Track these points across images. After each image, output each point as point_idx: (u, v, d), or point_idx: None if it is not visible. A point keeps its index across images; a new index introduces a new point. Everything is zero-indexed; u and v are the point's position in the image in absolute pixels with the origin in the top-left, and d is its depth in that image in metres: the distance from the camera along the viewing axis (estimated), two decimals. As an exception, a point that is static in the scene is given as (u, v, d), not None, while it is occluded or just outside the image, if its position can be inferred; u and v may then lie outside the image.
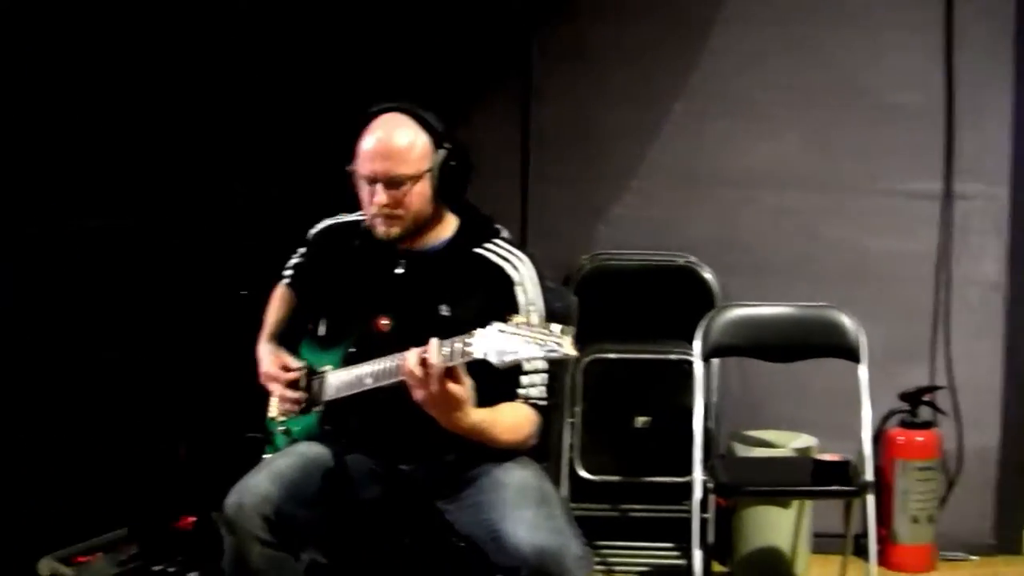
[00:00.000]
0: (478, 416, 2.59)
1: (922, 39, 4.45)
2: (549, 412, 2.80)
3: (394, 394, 2.59)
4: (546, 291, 2.84)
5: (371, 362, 2.69)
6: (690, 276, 4.40)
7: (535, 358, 2.41)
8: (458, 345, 2.41)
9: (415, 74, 4.34)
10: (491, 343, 2.33)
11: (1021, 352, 4.52)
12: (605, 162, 4.55)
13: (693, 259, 4.42)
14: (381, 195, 2.75)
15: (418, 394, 2.50)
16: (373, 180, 2.75)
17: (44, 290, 3.88)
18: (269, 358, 3.00)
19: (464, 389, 2.50)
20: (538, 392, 2.74)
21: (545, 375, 2.75)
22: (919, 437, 4.35)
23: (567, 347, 2.28)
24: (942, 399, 4.50)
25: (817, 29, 4.48)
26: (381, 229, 2.80)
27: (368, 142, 2.76)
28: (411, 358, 2.48)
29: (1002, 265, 4.50)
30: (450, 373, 2.46)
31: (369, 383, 2.69)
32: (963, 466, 4.55)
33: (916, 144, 4.48)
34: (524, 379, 2.72)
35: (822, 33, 4.48)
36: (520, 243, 2.96)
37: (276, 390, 2.95)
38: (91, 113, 4.08)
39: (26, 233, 3.89)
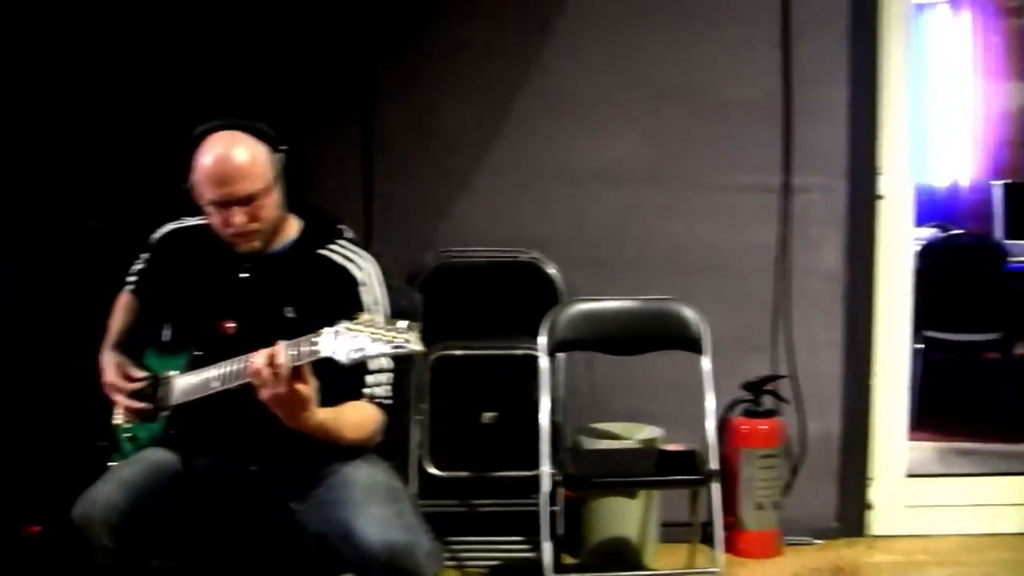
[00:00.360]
0: (323, 415, 2.67)
1: (760, 36, 4.61)
2: (395, 411, 2.88)
3: (241, 396, 2.65)
4: (391, 290, 2.93)
5: (217, 365, 2.75)
6: (535, 272, 4.48)
7: (383, 355, 2.49)
8: (305, 345, 2.48)
9: (255, 76, 4.38)
10: (338, 342, 2.42)
11: (860, 341, 4.72)
12: (449, 160, 4.61)
13: (537, 255, 4.50)
14: (238, 216, 2.79)
15: (265, 394, 2.56)
16: (225, 203, 2.78)
17: (44, 290, 3.90)
18: (111, 367, 3.02)
19: (310, 389, 2.58)
20: (383, 391, 2.84)
21: (390, 374, 2.84)
22: (762, 426, 4.53)
23: (414, 343, 2.37)
24: (785, 388, 4.68)
25: (657, 27, 4.61)
26: (243, 247, 2.86)
27: (209, 165, 2.77)
28: (258, 358, 2.54)
29: (840, 256, 4.69)
30: (297, 373, 2.53)
31: (216, 386, 2.74)
32: (806, 453, 4.74)
33: (755, 139, 4.64)
34: (369, 379, 2.81)
35: (662, 31, 4.61)
36: (365, 243, 3.04)
37: (119, 399, 2.97)
38: (90, 113, 4.15)
39: (26, 233, 3.90)
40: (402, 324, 2.40)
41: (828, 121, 4.65)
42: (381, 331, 2.39)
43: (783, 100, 4.62)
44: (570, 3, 4.60)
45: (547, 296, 4.38)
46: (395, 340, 2.37)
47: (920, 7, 7.92)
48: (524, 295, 4.44)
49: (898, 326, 4.79)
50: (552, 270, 4.48)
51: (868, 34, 4.66)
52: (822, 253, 4.69)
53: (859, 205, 4.69)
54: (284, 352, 2.52)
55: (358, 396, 2.80)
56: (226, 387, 2.70)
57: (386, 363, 2.82)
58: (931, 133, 8.29)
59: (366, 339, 2.39)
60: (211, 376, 2.76)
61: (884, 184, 4.70)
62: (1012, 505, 4.85)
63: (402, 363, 2.87)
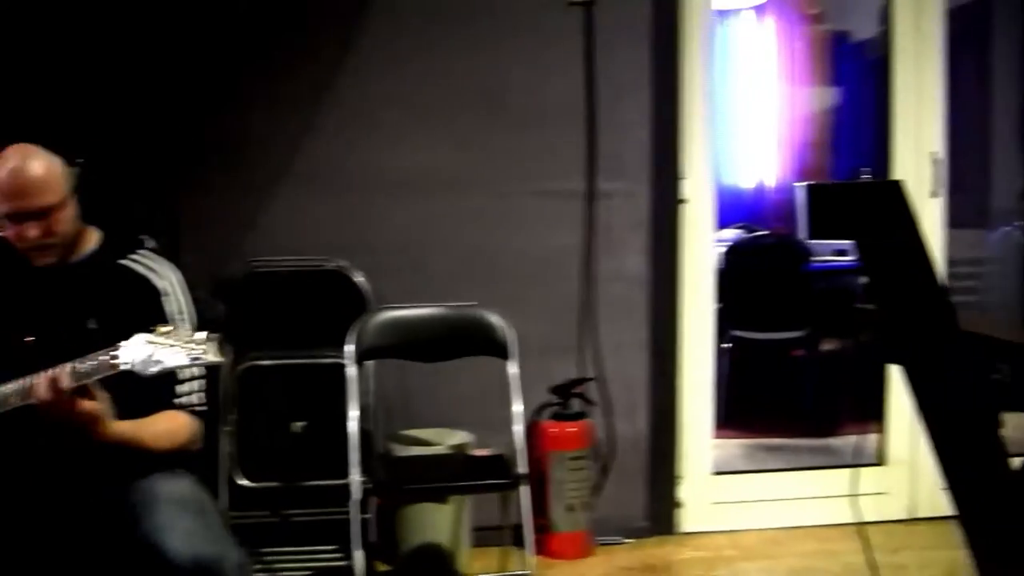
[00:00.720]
0: (123, 427, 2.71)
1: (563, 44, 4.76)
2: (211, 417, 2.95)
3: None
4: (196, 300, 2.96)
5: (16, 381, 2.74)
6: (343, 280, 4.52)
7: (180, 366, 2.54)
8: (103, 357, 2.53)
9: (59, 88, 4.34)
10: (137, 354, 2.47)
11: (665, 342, 4.91)
12: (255, 169, 4.63)
13: (344, 263, 4.54)
14: (32, 230, 2.81)
15: (51, 415, 2.59)
16: (20, 216, 2.79)
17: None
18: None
19: (97, 405, 2.62)
20: (196, 399, 2.89)
21: (203, 381, 2.90)
22: (571, 428, 4.67)
23: (212, 354, 2.44)
24: (592, 390, 4.83)
25: (462, 35, 4.72)
26: (39, 261, 2.87)
27: (3, 178, 2.79)
28: (40, 381, 2.57)
29: (645, 259, 4.86)
30: (81, 391, 2.57)
31: (15, 402, 2.73)
32: (615, 453, 4.90)
33: (559, 145, 4.78)
34: (181, 387, 2.87)
35: (467, 39, 4.72)
36: (173, 252, 3.06)
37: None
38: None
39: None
40: (200, 335, 2.46)
41: (631, 127, 4.82)
42: (180, 343, 2.44)
43: (586, 107, 4.77)
44: (375, 11, 4.67)
45: (355, 304, 4.43)
46: (193, 352, 2.43)
47: (724, 13, 8.22)
48: (332, 304, 4.48)
49: (702, 327, 5.00)
50: (359, 278, 4.52)
51: (670, 43, 4.85)
52: (626, 257, 4.85)
53: (662, 209, 4.87)
54: (66, 375, 2.56)
55: (170, 405, 2.85)
56: (26, 403, 2.71)
57: (198, 371, 2.86)
58: (738, 136, 8.56)
59: (164, 351, 2.45)
60: (9, 392, 2.76)
61: (687, 188, 4.89)
62: (817, 498, 5.05)
63: (213, 372, 2.91)
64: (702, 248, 4.98)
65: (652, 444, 4.94)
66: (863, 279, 2.94)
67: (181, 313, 2.90)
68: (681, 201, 4.89)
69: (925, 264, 2.69)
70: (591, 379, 4.83)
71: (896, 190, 2.70)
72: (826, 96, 8.70)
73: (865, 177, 5.48)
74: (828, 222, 2.86)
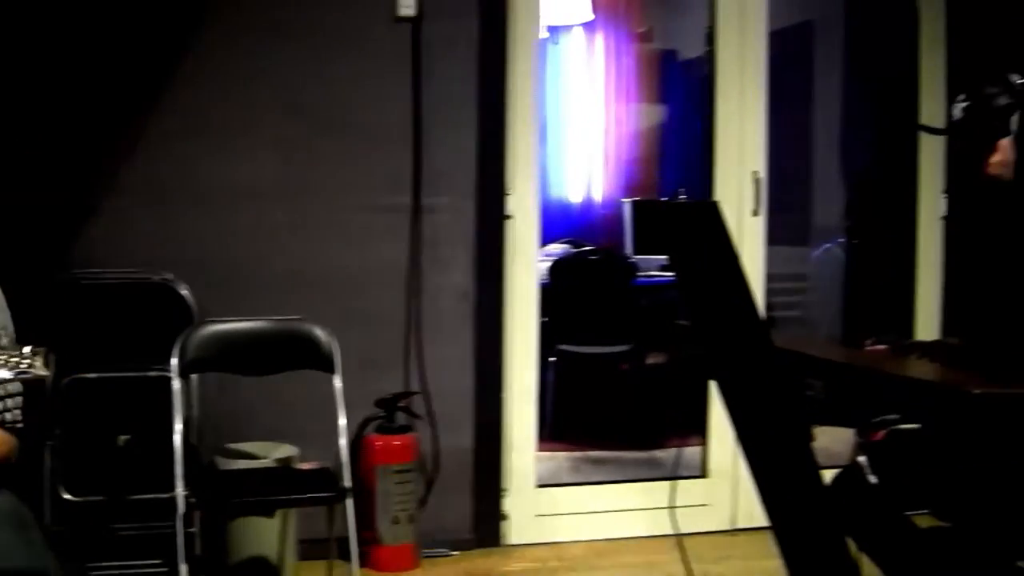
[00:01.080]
0: None
1: (392, 60, 4.88)
2: (28, 434, 2.97)
3: None
4: (16, 313, 2.99)
5: None
6: (168, 293, 4.54)
7: (5, 380, 2.58)
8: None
9: None
10: (-40, 369, 2.51)
11: (490, 356, 5.06)
12: (79, 181, 4.63)
13: (170, 276, 4.55)
14: None
15: None
16: None
17: None
18: None
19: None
20: (12, 416, 2.90)
21: (19, 398, 2.90)
22: (396, 441, 4.77)
23: (39, 368, 2.49)
24: (418, 404, 4.96)
25: (291, 49, 4.80)
26: None
27: None
28: None
29: (470, 274, 5.00)
30: None
31: None
32: (440, 467, 5.03)
33: (387, 160, 4.90)
34: (-3, 404, 2.86)
35: (296, 53, 4.80)
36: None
37: None
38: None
39: None
40: (27, 349, 2.49)
41: (458, 144, 4.97)
42: (4, 356, 2.48)
43: (413, 122, 4.89)
44: (207, 23, 4.72)
45: (181, 318, 4.46)
46: (19, 365, 2.47)
47: (554, 30, 8.39)
48: (158, 317, 4.50)
49: (527, 341, 5.16)
50: (184, 291, 4.55)
51: (497, 61, 5.00)
52: (452, 272, 4.98)
53: (488, 224, 5.02)
54: None
55: (-16, 422, 2.85)
56: None
57: (12, 387, 2.87)
58: (566, 152, 8.74)
59: (-14, 365, 2.48)
60: None
61: (512, 204, 5.05)
62: (641, 510, 5.24)
63: (32, 387, 2.90)
64: (527, 263, 5.14)
65: (477, 457, 5.07)
66: (681, 296, 3.02)
67: (4, 327, 2.92)
68: (506, 217, 5.04)
69: (739, 283, 2.78)
70: (416, 393, 4.95)
71: (713, 210, 2.81)
72: (654, 113, 8.93)
73: (683, 197, 5.67)
74: (650, 238, 2.93)
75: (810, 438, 2.81)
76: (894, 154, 6.04)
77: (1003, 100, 3.16)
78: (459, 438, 5.05)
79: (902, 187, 5.79)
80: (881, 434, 2.67)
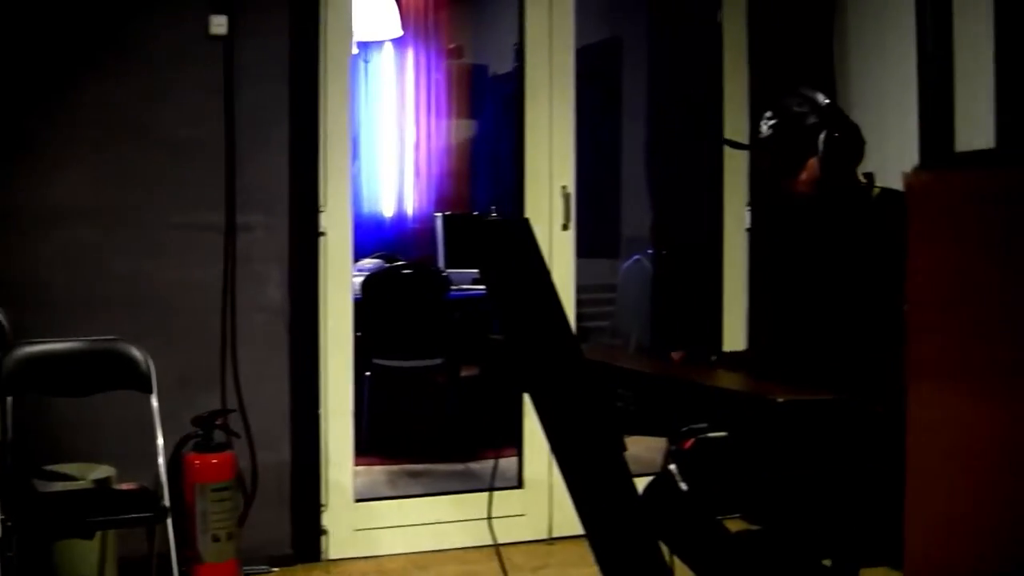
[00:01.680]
0: None
1: (204, 78, 4.93)
2: None
3: None
4: None
5: None
6: None
7: None
8: None
9: None
10: None
11: (306, 373, 5.13)
12: None
13: None
14: None
15: None
16: None
17: None
18: None
19: None
20: None
21: None
22: (214, 460, 4.79)
23: None
24: (235, 422, 5.00)
25: (108, 64, 4.82)
26: None
27: None
28: None
29: (284, 291, 5.06)
30: None
31: None
32: (259, 483, 5.09)
33: (200, 178, 4.94)
34: None
35: (114, 68, 4.82)
36: None
37: None
38: None
39: None
40: None
41: (270, 161, 5.03)
42: None
43: (226, 141, 4.95)
44: (16, 39, 4.70)
45: (-5, 340, 4.44)
46: None
47: (365, 46, 8.47)
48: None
49: (342, 356, 5.25)
50: (-2, 314, 4.54)
51: (309, 78, 5.08)
52: (267, 289, 5.04)
53: (301, 241, 5.08)
54: None
55: None
56: None
57: None
58: (380, 166, 8.84)
59: None
60: None
61: (325, 220, 5.15)
62: (458, 521, 5.38)
63: None
64: (341, 279, 5.22)
65: (295, 473, 5.13)
66: (493, 310, 3.11)
67: None
68: (320, 233, 5.13)
69: (550, 298, 2.82)
70: (233, 410, 5.00)
71: (523, 227, 2.86)
72: (466, 128, 9.08)
73: (494, 215, 5.78)
74: (462, 252, 3.00)
75: (622, 447, 2.88)
76: (700, 167, 6.25)
77: (811, 119, 3.27)
78: (277, 454, 5.10)
79: (708, 200, 5.98)
80: (690, 442, 2.71)
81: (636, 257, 7.99)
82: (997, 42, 3.64)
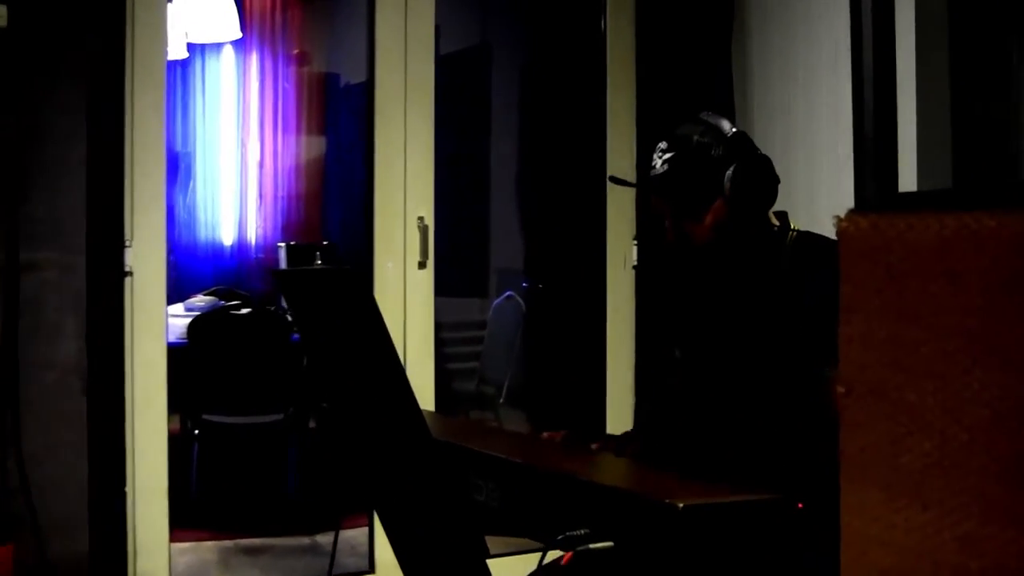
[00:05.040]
0: None
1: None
2: None
3: None
4: None
5: None
6: None
7: None
8: None
9: None
10: None
11: (106, 443, 4.62)
12: None
13: None
14: None
15: None
16: None
17: None
18: None
19: None
20: None
21: None
22: (-14, 554, 4.29)
23: None
24: (18, 505, 4.47)
25: None
26: None
27: None
28: None
29: (80, 344, 4.57)
30: None
31: None
32: (49, 580, 4.58)
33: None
34: None
35: None
36: None
37: None
38: None
39: None
40: None
41: (64, 186, 4.55)
42: None
43: (8, 166, 4.46)
44: None
45: None
46: None
47: (194, 48, 8.12)
48: None
49: (154, 417, 4.78)
50: None
51: (114, 90, 4.62)
52: (59, 342, 4.55)
53: (102, 283, 4.61)
54: None
55: None
56: None
57: None
58: (221, 187, 8.52)
59: None
60: None
61: (132, 257, 4.70)
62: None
63: None
64: (153, 326, 4.77)
65: (95, 566, 4.61)
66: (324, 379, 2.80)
67: None
68: (126, 273, 4.69)
69: (389, 369, 2.47)
70: (14, 492, 4.46)
71: (354, 279, 2.50)
72: (316, 145, 8.84)
73: (319, 263, 5.52)
74: (297, 307, 2.73)
75: (483, 552, 2.48)
76: (580, 192, 6.06)
77: (716, 152, 2.93)
78: (72, 544, 4.56)
79: (589, 233, 5.77)
80: (568, 557, 2.30)
81: (508, 294, 7.72)
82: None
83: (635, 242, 5.61)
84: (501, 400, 7.47)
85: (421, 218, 5.16)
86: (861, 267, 1.63)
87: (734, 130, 2.97)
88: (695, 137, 2.94)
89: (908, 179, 3.83)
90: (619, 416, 5.48)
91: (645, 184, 3.24)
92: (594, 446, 3.13)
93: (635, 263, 5.62)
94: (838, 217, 1.63)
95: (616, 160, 5.51)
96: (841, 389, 1.62)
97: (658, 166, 2.97)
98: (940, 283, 1.52)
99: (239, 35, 7.85)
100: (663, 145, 2.98)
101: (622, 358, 5.64)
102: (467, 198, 7.89)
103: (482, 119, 8.13)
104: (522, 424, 7.38)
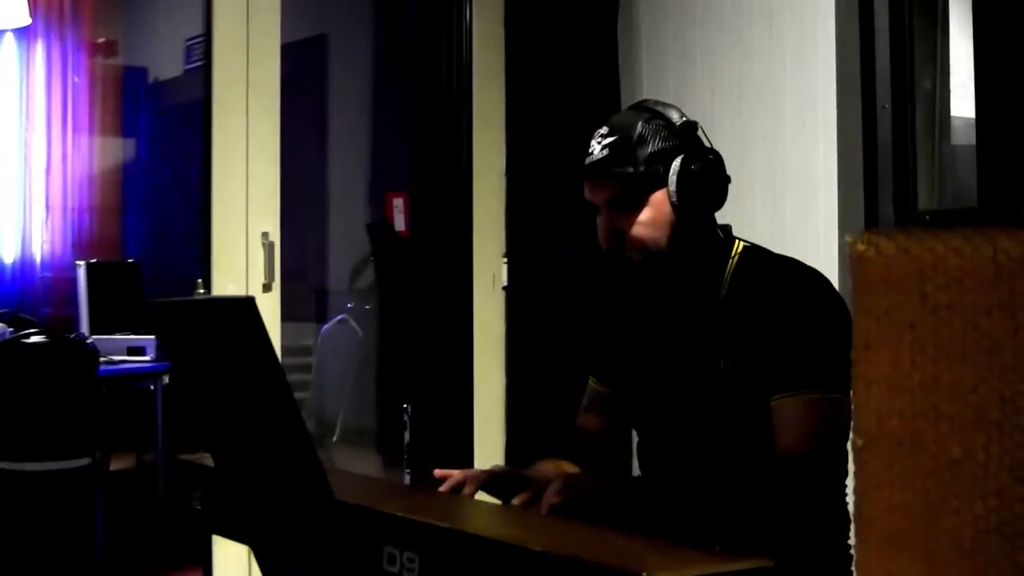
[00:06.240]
0: None
1: None
2: None
3: None
4: None
5: None
6: None
7: None
8: None
9: None
10: None
11: None
12: None
13: None
14: None
15: None
16: None
17: None
18: None
19: None
20: None
21: None
22: None
23: None
24: None
25: None
26: None
27: None
28: None
29: None
30: None
31: None
32: None
33: None
34: None
35: None
36: None
37: None
38: None
39: None
40: None
41: None
42: None
43: None
44: None
45: None
46: None
47: None
48: None
49: None
50: None
51: None
52: None
53: None
54: None
55: None
56: None
57: None
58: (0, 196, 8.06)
59: None
60: None
61: None
62: None
63: None
64: None
65: None
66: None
67: None
68: None
69: (285, 416, 2.14)
70: None
71: (245, 307, 2.13)
72: (117, 149, 8.39)
73: (201, 292, 5.07)
74: (174, 343, 2.41)
75: None
76: (438, 206, 5.61)
77: (662, 140, 2.75)
78: None
79: (450, 246, 5.41)
80: None
81: (340, 317, 7.26)
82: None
83: (505, 260, 5.32)
84: (335, 439, 7.09)
85: (266, 233, 4.74)
86: (887, 298, 1.57)
87: (684, 119, 2.82)
88: (639, 123, 2.80)
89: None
90: (488, 451, 5.17)
91: (580, 172, 2.90)
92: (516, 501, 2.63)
93: (504, 284, 5.34)
94: (854, 237, 1.57)
95: (485, 159, 5.24)
96: (859, 441, 1.58)
97: (596, 152, 2.81)
98: (996, 317, 1.47)
99: (28, 21, 7.22)
100: (603, 130, 2.84)
101: (491, 386, 5.37)
102: (303, 208, 7.48)
103: (319, 117, 7.83)
104: (367, 466, 7.00)
